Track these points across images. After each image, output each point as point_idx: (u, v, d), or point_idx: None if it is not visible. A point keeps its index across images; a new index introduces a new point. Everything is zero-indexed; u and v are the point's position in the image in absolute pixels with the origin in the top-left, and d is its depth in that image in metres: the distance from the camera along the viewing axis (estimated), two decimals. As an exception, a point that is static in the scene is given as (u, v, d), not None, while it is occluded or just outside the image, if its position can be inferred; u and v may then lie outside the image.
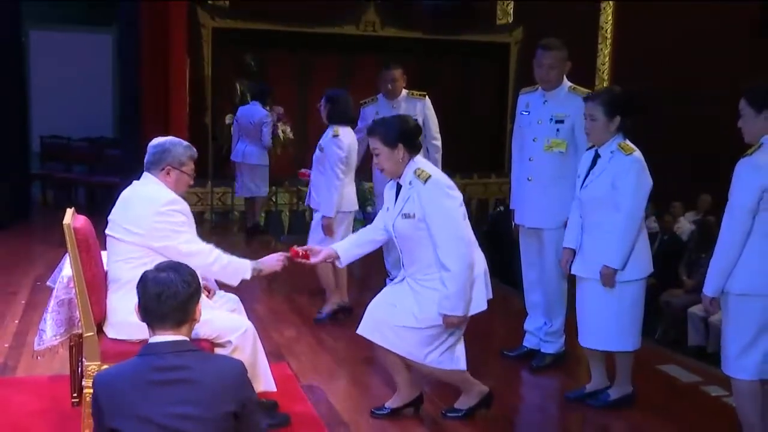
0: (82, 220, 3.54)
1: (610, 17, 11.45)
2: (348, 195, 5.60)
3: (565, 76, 4.71)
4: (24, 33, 11.30)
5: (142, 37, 9.09)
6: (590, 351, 4.30)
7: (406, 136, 3.83)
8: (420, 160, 3.88)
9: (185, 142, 3.73)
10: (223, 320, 3.61)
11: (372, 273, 6.91)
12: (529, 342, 5.04)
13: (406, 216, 3.77)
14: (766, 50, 10.28)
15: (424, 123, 6.09)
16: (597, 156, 4.14)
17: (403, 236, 3.83)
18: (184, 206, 3.63)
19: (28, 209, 9.80)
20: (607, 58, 11.45)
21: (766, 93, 3.53)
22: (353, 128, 5.74)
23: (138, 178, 3.68)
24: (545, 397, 4.67)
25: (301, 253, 3.95)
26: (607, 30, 11.45)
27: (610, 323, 4.13)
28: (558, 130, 4.64)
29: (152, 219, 3.49)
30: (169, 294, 2.49)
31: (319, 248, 4.09)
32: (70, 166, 11.50)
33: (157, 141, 3.70)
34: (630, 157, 4.02)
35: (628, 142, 4.08)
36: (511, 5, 11.43)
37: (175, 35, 9.15)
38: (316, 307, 6.08)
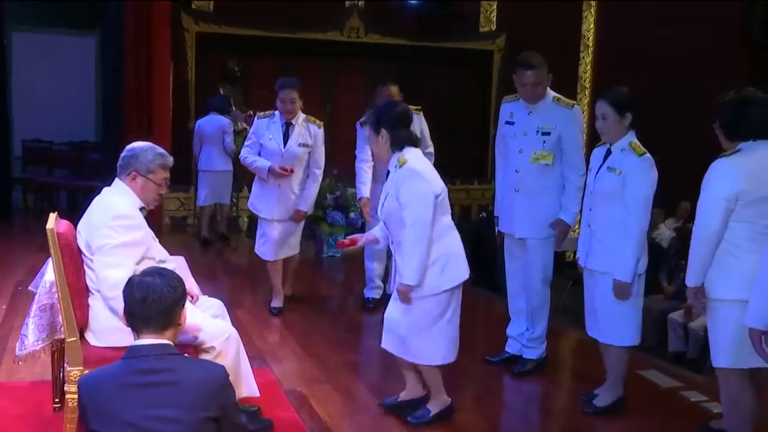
0: (65, 225, 3.53)
1: (592, 25, 11.53)
2: None
3: (548, 87, 4.74)
4: (6, 35, 11.22)
5: (126, 41, 9.07)
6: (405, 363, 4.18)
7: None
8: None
9: (160, 150, 3.67)
10: (206, 326, 3.61)
11: (356, 278, 6.93)
12: (511, 347, 5.06)
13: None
14: (750, 57, 10.41)
15: (421, 134, 6.10)
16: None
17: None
18: (135, 222, 3.52)
19: (9, 214, 9.74)
20: (588, 66, 11.54)
21: (627, 98, 4.11)
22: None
23: (110, 184, 3.66)
24: (527, 403, 4.70)
25: (347, 242, 4.21)
26: (588, 38, 11.53)
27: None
28: (545, 142, 4.67)
29: (99, 230, 3.45)
30: (155, 298, 2.53)
31: (359, 235, 4.45)
32: (52, 170, 11.45)
33: (131, 145, 3.66)
34: (404, 168, 3.90)
35: (405, 154, 3.94)
36: (494, 13, 11.50)
37: (159, 39, 9.14)
38: (299, 312, 6.09)
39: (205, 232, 8.84)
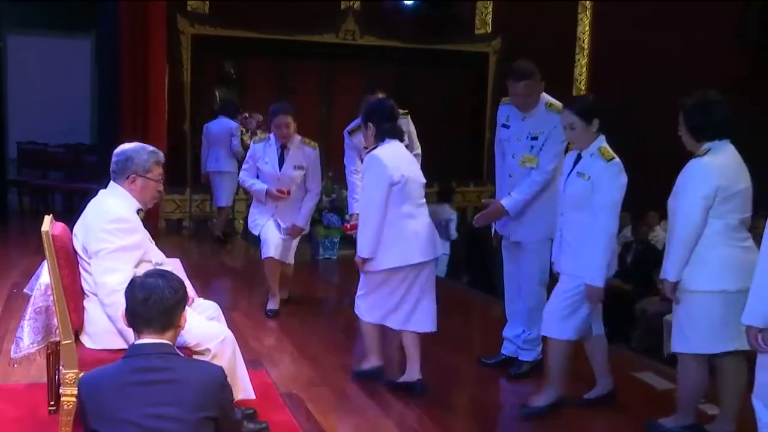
0: (60, 228, 3.53)
1: (587, 28, 11.56)
2: None
3: (542, 92, 4.74)
4: (2, 37, 11.22)
5: (122, 43, 9.07)
6: None
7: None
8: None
9: (150, 147, 3.68)
10: (202, 328, 3.60)
11: (351, 280, 6.92)
12: (506, 350, 5.06)
13: None
14: (747, 59, 10.45)
15: (409, 137, 6.10)
16: None
17: None
18: (132, 225, 3.52)
19: (5, 216, 9.72)
20: (584, 69, 11.56)
21: (592, 104, 4.15)
22: None
23: (105, 187, 3.65)
24: (523, 405, 4.69)
25: (349, 227, 4.82)
26: (584, 40, 11.56)
27: None
28: (532, 147, 4.69)
29: (95, 234, 3.44)
30: (156, 299, 2.57)
31: None
32: (47, 173, 11.42)
33: (120, 149, 3.65)
34: (367, 155, 4.44)
35: (380, 144, 4.40)
36: (490, 15, 11.52)
37: (155, 41, 9.14)
38: (295, 315, 6.09)
39: (223, 229, 9.30)
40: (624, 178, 4.09)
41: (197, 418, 2.47)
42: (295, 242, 6.18)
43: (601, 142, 4.13)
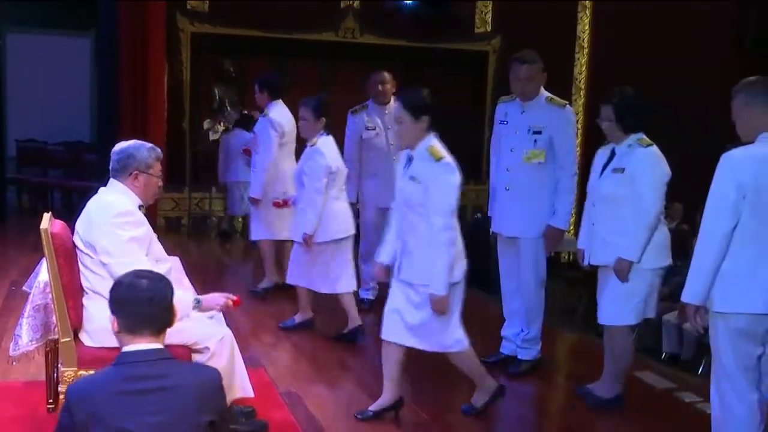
0: (59, 226, 3.52)
1: (587, 27, 11.55)
2: None
3: (542, 87, 4.76)
4: (1, 36, 11.22)
5: (121, 41, 9.06)
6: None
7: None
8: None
9: (148, 144, 3.69)
10: (201, 327, 3.60)
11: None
12: (505, 349, 5.07)
13: None
14: (748, 59, 10.44)
15: None
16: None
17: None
18: (138, 218, 3.53)
19: (3, 214, 9.71)
20: (584, 68, 11.55)
21: (423, 100, 3.93)
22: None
23: (105, 185, 3.65)
24: (521, 403, 4.70)
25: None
26: (584, 39, 11.55)
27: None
28: (536, 141, 4.68)
29: (103, 229, 3.44)
30: (160, 297, 2.54)
31: None
32: (46, 171, 11.41)
33: (119, 147, 3.66)
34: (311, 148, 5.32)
35: (322, 136, 5.27)
36: (490, 14, 11.50)
37: (154, 40, 9.13)
38: (294, 313, 6.08)
39: (224, 227, 9.64)
40: (454, 179, 3.84)
41: (193, 423, 2.43)
42: (256, 215, 6.53)
43: (430, 141, 3.89)
